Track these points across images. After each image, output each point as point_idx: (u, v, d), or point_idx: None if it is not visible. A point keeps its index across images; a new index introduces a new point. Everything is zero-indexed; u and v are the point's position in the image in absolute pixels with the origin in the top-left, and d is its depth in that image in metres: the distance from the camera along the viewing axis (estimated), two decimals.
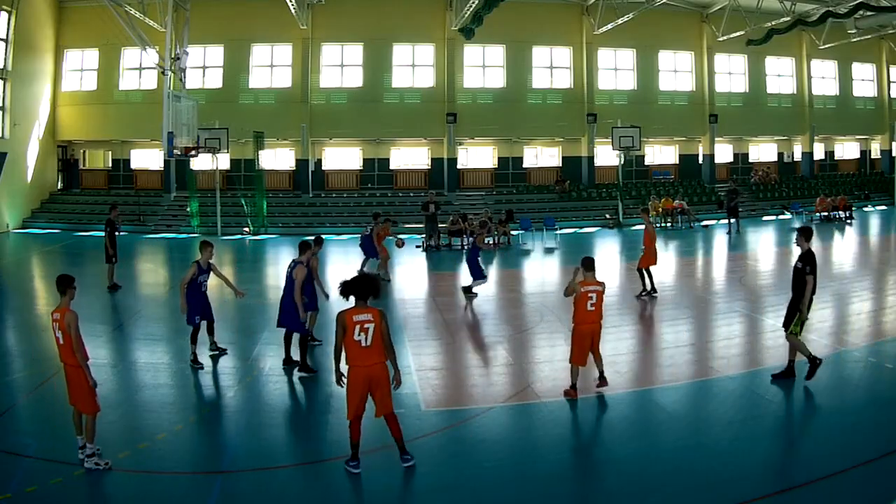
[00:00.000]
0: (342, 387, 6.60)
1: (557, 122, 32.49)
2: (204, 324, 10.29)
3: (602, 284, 8.60)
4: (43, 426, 7.97)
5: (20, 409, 8.46)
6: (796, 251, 8.99)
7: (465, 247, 23.29)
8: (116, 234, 16.04)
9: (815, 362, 8.68)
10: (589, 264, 8.59)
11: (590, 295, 8.42)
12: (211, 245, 10.48)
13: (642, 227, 15.41)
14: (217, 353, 10.49)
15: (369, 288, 6.47)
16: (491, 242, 22.61)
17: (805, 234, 8.92)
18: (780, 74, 35.84)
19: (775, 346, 10.48)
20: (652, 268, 14.53)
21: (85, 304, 14.42)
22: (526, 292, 16.43)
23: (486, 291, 16.67)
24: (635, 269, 14.93)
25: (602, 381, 8.66)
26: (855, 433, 7.31)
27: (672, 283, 17.40)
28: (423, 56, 31.61)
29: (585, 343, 8.49)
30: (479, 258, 14.83)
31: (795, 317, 8.69)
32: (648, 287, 14.41)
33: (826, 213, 29.04)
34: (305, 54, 30.18)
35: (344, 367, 6.53)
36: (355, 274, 6.64)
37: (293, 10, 26.30)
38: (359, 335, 6.32)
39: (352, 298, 6.51)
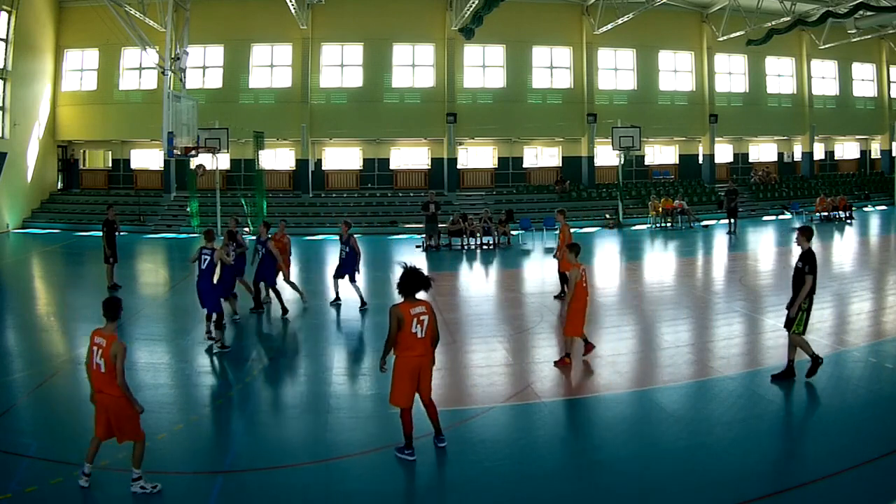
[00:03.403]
0: (384, 373, 6.96)
1: (557, 122, 32.49)
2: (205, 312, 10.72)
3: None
4: (43, 426, 7.97)
5: (20, 409, 8.46)
6: (797, 250, 8.99)
7: (465, 247, 23.32)
8: (116, 234, 15.88)
9: (816, 361, 8.78)
10: (576, 249, 9.90)
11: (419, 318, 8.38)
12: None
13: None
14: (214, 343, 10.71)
15: (420, 283, 6.78)
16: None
17: (805, 234, 8.95)
18: (780, 74, 35.84)
19: (775, 346, 10.49)
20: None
21: (85, 305, 14.49)
22: (526, 292, 16.43)
23: (487, 291, 16.72)
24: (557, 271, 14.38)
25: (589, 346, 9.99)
26: (855, 433, 7.31)
27: (672, 283, 17.42)
28: (423, 56, 31.61)
29: (583, 316, 9.72)
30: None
31: (797, 316, 8.70)
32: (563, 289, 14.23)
33: (826, 213, 29.03)
34: (305, 54, 30.19)
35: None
36: (403, 270, 6.85)
37: (293, 10, 26.31)
38: (415, 327, 6.67)
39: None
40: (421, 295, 6.87)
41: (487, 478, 6.63)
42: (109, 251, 15.54)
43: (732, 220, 25.61)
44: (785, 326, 8.95)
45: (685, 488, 6.35)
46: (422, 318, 6.71)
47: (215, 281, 10.94)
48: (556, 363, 9.79)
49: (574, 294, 9.55)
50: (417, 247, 23.40)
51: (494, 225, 23.93)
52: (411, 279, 6.74)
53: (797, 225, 27.81)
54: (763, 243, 24.15)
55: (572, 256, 9.84)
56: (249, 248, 14.00)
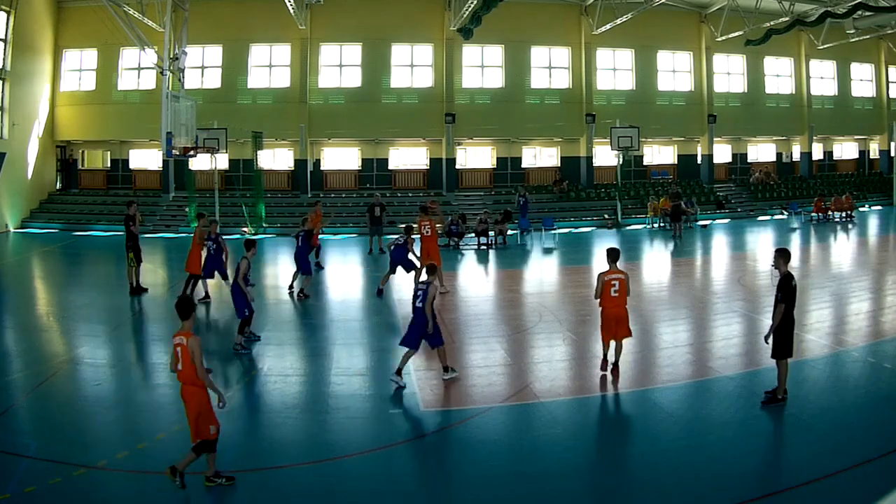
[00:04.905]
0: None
1: (556, 123, 32.48)
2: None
3: (625, 273, 9.37)
4: (42, 426, 7.97)
5: (20, 409, 8.46)
6: (775, 275, 8.20)
7: (463, 247, 23.31)
8: (135, 232, 15.12)
9: (779, 397, 8.07)
10: (614, 255, 9.48)
11: (612, 283, 9.19)
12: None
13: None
14: (255, 339, 11.34)
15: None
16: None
17: (784, 256, 8.16)
18: (779, 74, 35.86)
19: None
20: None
21: (84, 304, 14.51)
22: (524, 292, 16.44)
23: (485, 291, 16.74)
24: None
25: (612, 369, 9.34)
26: (853, 433, 7.33)
27: (671, 282, 17.44)
28: (422, 56, 31.59)
29: (609, 326, 9.24)
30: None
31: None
32: None
33: (825, 214, 29.05)
34: (304, 54, 30.17)
35: None
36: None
37: (292, 11, 26.28)
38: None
39: None
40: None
41: (487, 478, 6.64)
42: (129, 250, 14.94)
43: (676, 224, 24.82)
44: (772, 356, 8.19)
45: (684, 488, 6.36)
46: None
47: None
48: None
49: (599, 299, 9.24)
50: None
51: (492, 225, 23.92)
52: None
53: (795, 225, 27.96)
54: (762, 243, 24.16)
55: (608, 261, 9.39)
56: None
